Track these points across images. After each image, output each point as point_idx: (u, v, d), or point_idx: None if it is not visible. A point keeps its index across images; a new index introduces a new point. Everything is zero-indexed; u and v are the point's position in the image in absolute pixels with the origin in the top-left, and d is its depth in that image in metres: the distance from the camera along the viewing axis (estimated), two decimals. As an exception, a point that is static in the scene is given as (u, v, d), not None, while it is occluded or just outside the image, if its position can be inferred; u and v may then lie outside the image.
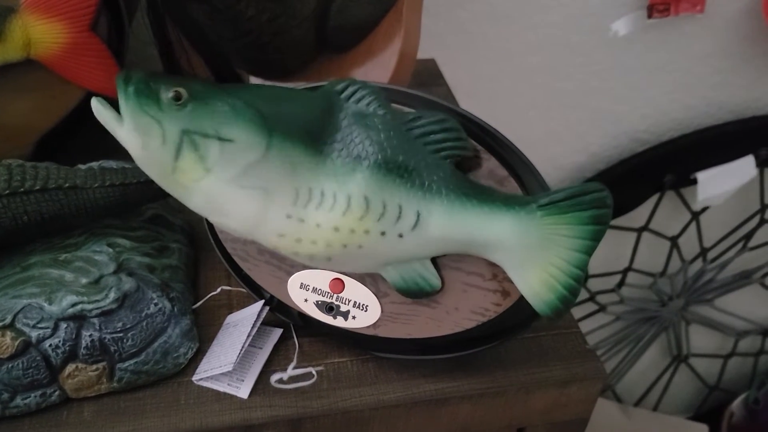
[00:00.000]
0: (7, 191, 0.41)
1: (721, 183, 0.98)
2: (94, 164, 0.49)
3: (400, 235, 0.37)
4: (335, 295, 0.42)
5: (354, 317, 0.42)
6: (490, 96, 0.89)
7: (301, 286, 0.43)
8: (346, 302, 0.42)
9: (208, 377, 0.43)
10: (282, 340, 0.46)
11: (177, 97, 0.35)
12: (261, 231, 0.38)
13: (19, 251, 0.44)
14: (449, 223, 0.37)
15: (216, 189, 0.36)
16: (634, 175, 0.98)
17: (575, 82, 0.91)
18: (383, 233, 0.37)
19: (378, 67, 0.56)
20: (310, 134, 0.37)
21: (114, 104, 0.54)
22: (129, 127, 0.35)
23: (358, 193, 0.36)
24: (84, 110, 0.55)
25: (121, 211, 0.45)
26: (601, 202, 0.35)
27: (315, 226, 0.37)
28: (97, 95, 0.54)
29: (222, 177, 0.36)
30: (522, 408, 0.45)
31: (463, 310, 0.40)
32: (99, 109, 0.36)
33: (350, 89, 0.38)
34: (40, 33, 0.50)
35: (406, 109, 0.39)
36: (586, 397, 0.46)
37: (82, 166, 0.48)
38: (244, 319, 0.45)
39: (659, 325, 1.19)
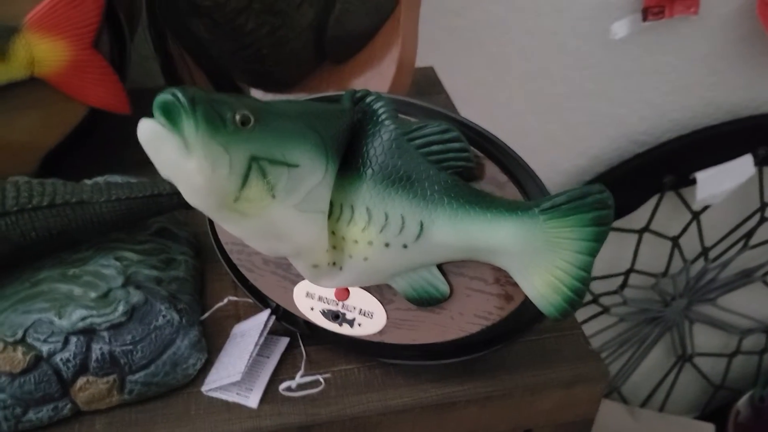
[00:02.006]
0: (16, 208, 0.42)
1: (720, 182, 0.99)
2: (100, 179, 0.50)
3: (405, 246, 0.38)
4: (341, 303, 0.43)
5: (360, 324, 0.43)
6: (488, 102, 0.90)
7: (307, 294, 0.43)
8: (352, 310, 0.43)
9: (217, 387, 0.43)
10: (289, 348, 0.46)
11: (244, 121, 0.32)
12: (315, 250, 0.37)
13: (28, 267, 0.45)
14: (453, 231, 0.37)
15: (278, 216, 0.34)
16: (634, 176, 0.99)
17: (572, 86, 0.91)
18: (387, 244, 0.38)
19: (377, 76, 0.57)
20: (341, 150, 0.37)
21: (116, 118, 0.55)
22: (199, 156, 0.31)
23: (361, 205, 0.37)
24: (88, 126, 0.56)
25: (127, 224, 0.46)
26: (602, 204, 0.36)
27: (331, 234, 0.38)
28: (100, 111, 0.55)
29: (286, 204, 0.34)
30: (528, 409, 0.46)
31: (467, 315, 0.41)
32: (159, 134, 0.30)
33: (365, 100, 0.38)
34: (43, 51, 0.51)
35: (410, 119, 0.39)
36: (590, 397, 0.47)
37: (88, 181, 0.49)
38: (251, 328, 0.46)
39: (663, 326, 1.20)
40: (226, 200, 0.33)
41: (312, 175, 0.35)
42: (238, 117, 0.32)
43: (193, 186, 0.32)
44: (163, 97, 0.30)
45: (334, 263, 0.39)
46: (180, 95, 0.30)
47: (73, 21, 0.51)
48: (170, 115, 0.30)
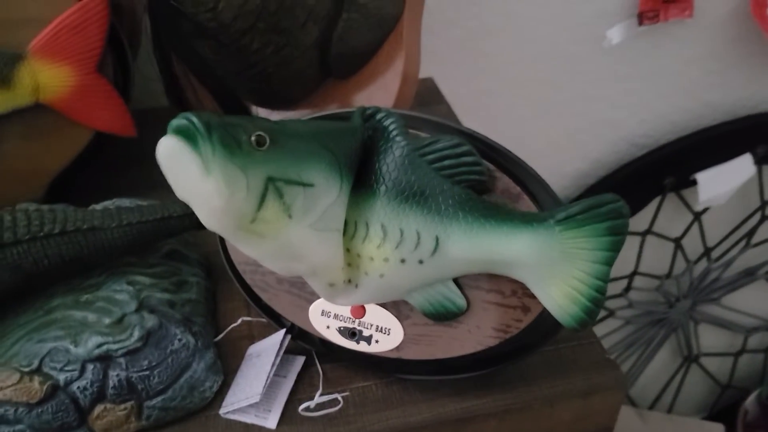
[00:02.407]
0: (28, 236, 0.42)
1: (721, 182, 0.99)
2: (109, 203, 0.50)
3: (420, 261, 0.37)
4: (357, 321, 0.43)
5: (377, 341, 0.42)
6: (488, 110, 0.90)
7: (323, 313, 0.43)
8: (369, 327, 0.42)
9: (235, 410, 0.43)
10: (305, 367, 0.46)
11: (259, 143, 0.32)
12: (330, 268, 0.37)
13: (41, 294, 0.44)
14: (469, 245, 0.37)
15: (294, 236, 0.34)
16: (635, 179, 0.99)
17: (572, 91, 0.92)
18: (403, 260, 0.37)
19: (381, 91, 0.57)
20: (354, 168, 0.37)
21: (122, 141, 0.55)
22: (217, 178, 0.31)
23: (376, 221, 0.37)
24: (94, 150, 0.56)
25: (139, 248, 0.45)
26: (617, 213, 0.36)
27: (345, 251, 0.38)
28: (106, 134, 0.55)
29: (303, 224, 0.34)
30: (547, 421, 0.46)
31: (485, 329, 0.41)
32: (180, 151, 0.30)
33: (375, 117, 0.38)
34: (47, 78, 0.51)
35: (421, 134, 0.39)
36: (609, 406, 0.47)
37: (97, 206, 0.48)
38: (267, 348, 0.45)
39: (668, 327, 1.20)
40: (243, 221, 0.33)
41: (327, 194, 0.35)
42: (253, 138, 0.32)
43: (210, 208, 0.32)
44: (178, 122, 0.31)
45: (349, 281, 0.38)
46: (195, 120, 0.31)
47: (76, 46, 0.51)
48: (188, 139, 0.30)
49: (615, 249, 0.36)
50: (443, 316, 0.40)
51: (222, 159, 0.31)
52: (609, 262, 0.37)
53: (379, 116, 0.38)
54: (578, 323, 0.37)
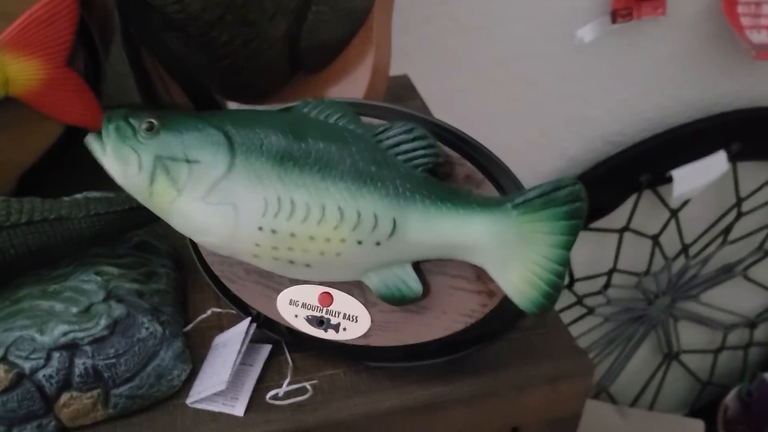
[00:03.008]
0: (-7, 226, 0.41)
1: (696, 179, 1.00)
2: (79, 196, 0.50)
3: (378, 243, 0.38)
4: (325, 309, 0.43)
5: (345, 329, 0.43)
6: (464, 108, 0.91)
7: (291, 302, 0.43)
8: (336, 315, 0.43)
9: (202, 399, 0.43)
10: (273, 355, 0.46)
11: (149, 128, 0.39)
12: (237, 244, 0.39)
13: (8, 285, 0.44)
14: (426, 228, 0.37)
15: (189, 208, 0.39)
16: (611, 176, 1.00)
17: (546, 89, 0.93)
18: (360, 242, 0.38)
19: (352, 84, 0.57)
20: (275, 148, 0.38)
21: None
22: (110, 156, 0.39)
23: (332, 204, 0.37)
24: (64, 144, 0.56)
25: (107, 239, 0.46)
26: (575, 196, 0.36)
27: (289, 236, 0.38)
28: (77, 128, 0.55)
29: (192, 196, 0.38)
30: (515, 407, 0.46)
31: (451, 313, 0.41)
32: (90, 142, 0.40)
33: (316, 108, 0.40)
34: (17, 71, 0.51)
35: (377, 122, 0.40)
36: (577, 392, 0.47)
37: (67, 198, 0.48)
38: (233, 338, 0.45)
39: (648, 324, 1.21)
40: (143, 195, 0.39)
41: (213, 169, 0.38)
42: (144, 125, 0.39)
43: (119, 182, 0.39)
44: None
45: (291, 261, 0.39)
46: (105, 114, 0.40)
47: (46, 40, 0.51)
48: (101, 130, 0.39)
49: (573, 233, 0.37)
50: (398, 300, 0.40)
51: (114, 141, 0.39)
52: (567, 246, 0.37)
53: (320, 107, 0.40)
54: (537, 307, 0.38)
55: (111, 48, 0.61)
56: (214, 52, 0.51)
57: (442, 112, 0.82)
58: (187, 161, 0.38)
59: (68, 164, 0.59)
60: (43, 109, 0.53)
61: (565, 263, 0.37)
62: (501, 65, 0.88)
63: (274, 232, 0.38)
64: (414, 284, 0.40)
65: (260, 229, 0.38)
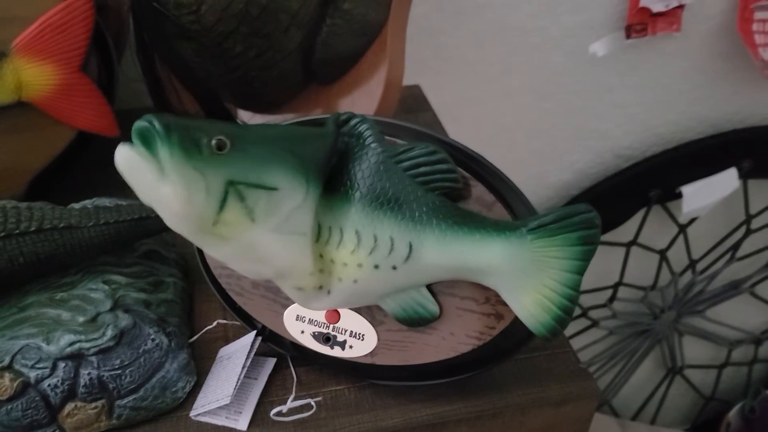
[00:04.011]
0: (3, 233, 0.42)
1: (706, 196, 1.00)
2: (88, 202, 0.50)
3: (394, 267, 0.38)
4: (331, 326, 0.43)
5: (351, 347, 0.43)
6: (474, 118, 0.90)
7: (297, 318, 0.43)
8: (343, 332, 0.43)
9: (205, 412, 0.43)
10: (277, 369, 0.46)
11: (220, 146, 0.33)
12: (293, 273, 0.37)
13: (16, 291, 0.44)
14: (442, 251, 0.37)
15: (258, 239, 0.34)
16: (620, 190, 1.00)
17: (558, 102, 0.92)
18: (377, 266, 0.38)
19: (364, 97, 0.57)
20: (324, 173, 0.37)
21: (104, 140, 0.55)
22: (174, 181, 0.31)
23: (350, 227, 0.37)
24: (76, 149, 0.56)
25: (115, 248, 0.46)
26: (589, 223, 0.36)
27: (326, 261, 0.38)
28: (89, 134, 0.55)
29: (266, 227, 0.34)
30: (518, 429, 0.46)
31: (458, 335, 0.41)
32: (134, 160, 0.31)
33: (350, 122, 0.38)
34: (31, 76, 0.51)
35: (398, 141, 0.40)
36: (581, 415, 0.47)
37: (76, 205, 0.48)
38: (238, 351, 0.45)
39: (653, 338, 1.20)
40: (204, 224, 0.33)
41: (291, 197, 0.35)
42: (213, 142, 0.32)
43: (170, 211, 0.32)
44: (140, 123, 0.31)
45: (320, 287, 0.38)
46: (155, 122, 0.31)
47: (60, 45, 0.51)
48: (146, 142, 0.31)
49: (586, 258, 0.37)
50: (416, 321, 0.40)
51: (179, 162, 0.31)
52: (580, 272, 0.37)
53: (353, 122, 0.39)
54: (549, 331, 0.37)
55: (124, 52, 0.61)
56: (228, 62, 0.50)
57: (453, 122, 0.82)
58: (265, 188, 0.34)
59: (79, 168, 0.59)
60: (55, 114, 0.53)
61: (578, 288, 0.37)
62: (513, 77, 0.88)
63: (321, 256, 0.37)
64: (431, 306, 0.40)
65: (321, 256, 0.37)
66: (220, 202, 0.33)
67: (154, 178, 0.31)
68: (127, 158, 0.31)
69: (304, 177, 0.35)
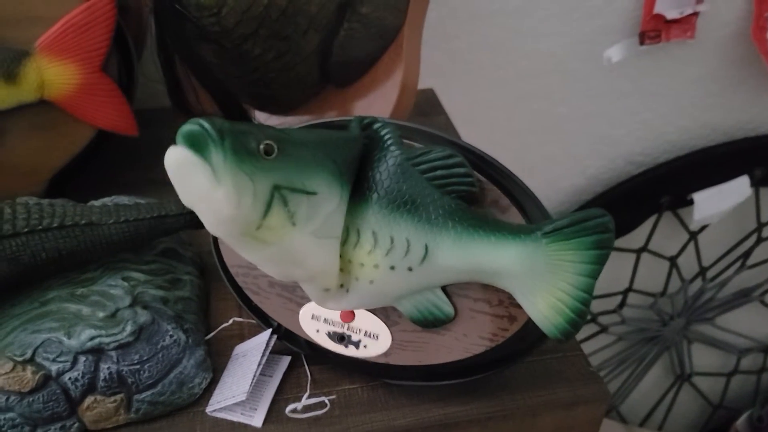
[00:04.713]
0: (26, 229, 0.42)
1: (717, 203, 1.00)
2: (108, 200, 0.51)
3: (410, 269, 0.38)
4: (346, 325, 0.43)
5: (365, 346, 0.43)
6: (487, 122, 0.91)
7: (313, 317, 0.44)
8: (358, 332, 0.43)
9: (221, 408, 0.44)
10: (291, 367, 0.47)
11: (268, 151, 0.33)
12: (327, 276, 0.38)
13: (37, 287, 0.45)
14: (458, 254, 0.38)
15: (297, 243, 0.35)
16: (632, 196, 1.00)
17: (571, 107, 0.93)
18: (393, 267, 0.38)
19: (380, 100, 0.58)
20: (353, 176, 0.37)
21: (123, 139, 0.56)
22: (227, 185, 0.31)
23: (367, 228, 0.38)
24: (95, 147, 0.57)
25: (134, 245, 0.46)
26: (603, 227, 0.36)
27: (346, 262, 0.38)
28: (108, 133, 0.56)
29: (305, 231, 0.35)
30: (529, 431, 0.46)
31: (471, 336, 0.41)
32: (189, 161, 0.31)
33: (372, 126, 0.39)
34: (53, 75, 0.52)
35: (415, 144, 0.40)
36: (591, 418, 0.47)
37: (96, 203, 0.49)
38: (253, 348, 0.46)
39: (661, 345, 1.20)
40: (249, 229, 0.33)
41: (329, 202, 0.36)
42: (262, 147, 0.33)
43: (218, 214, 0.32)
44: (189, 127, 0.31)
45: (341, 285, 0.39)
46: (207, 126, 0.31)
47: (82, 45, 0.52)
48: (197, 145, 0.31)
49: (600, 262, 0.37)
50: (431, 323, 0.41)
51: (232, 167, 0.31)
52: (594, 275, 0.37)
53: (375, 126, 0.39)
54: (562, 334, 0.38)
55: (143, 53, 0.62)
56: (247, 64, 0.51)
57: (466, 125, 0.83)
58: (306, 193, 0.34)
59: (98, 167, 0.60)
60: (76, 113, 0.54)
61: (591, 291, 0.37)
62: (526, 81, 0.89)
63: (350, 262, 0.38)
64: (446, 308, 0.40)
65: (341, 257, 0.38)
66: (265, 206, 0.33)
67: (207, 182, 0.31)
68: (180, 161, 0.31)
69: (339, 181, 0.36)
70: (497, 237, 0.37)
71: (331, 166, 0.36)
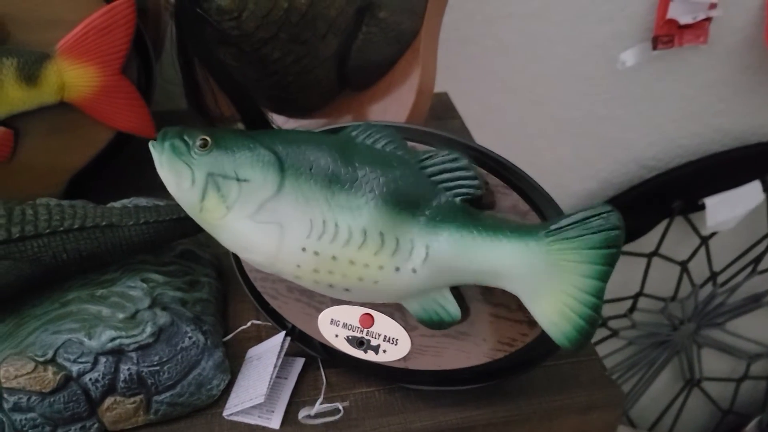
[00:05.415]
0: (48, 230, 0.43)
1: (729, 208, 1.00)
2: (127, 201, 0.51)
3: (414, 270, 0.38)
4: (365, 330, 0.43)
5: (385, 351, 0.43)
6: (501, 126, 0.91)
7: (332, 321, 0.44)
8: (377, 336, 0.43)
9: (239, 411, 0.44)
10: (306, 368, 0.47)
11: (203, 144, 0.40)
12: (281, 263, 0.40)
13: (58, 287, 0.46)
14: (456, 254, 0.37)
15: (237, 226, 0.39)
16: (644, 201, 1.00)
17: (583, 111, 0.93)
18: (397, 269, 0.38)
19: (396, 104, 0.58)
20: (324, 171, 0.39)
21: (141, 141, 0.56)
22: (166, 168, 0.40)
23: (374, 228, 0.38)
24: (114, 149, 0.57)
25: (154, 247, 0.47)
26: (611, 224, 0.35)
27: (331, 259, 0.38)
28: (126, 134, 0.56)
29: (241, 214, 0.39)
30: (546, 435, 0.46)
31: (491, 341, 0.41)
32: (152, 150, 0.41)
33: (365, 131, 0.40)
34: (73, 77, 0.52)
35: (418, 146, 0.40)
36: (606, 423, 0.47)
37: (116, 204, 0.50)
38: (267, 351, 0.46)
39: (671, 350, 1.20)
40: (194, 210, 0.40)
41: (263, 188, 0.39)
42: (198, 142, 0.40)
43: (172, 194, 0.40)
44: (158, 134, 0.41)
45: (330, 285, 0.40)
46: (162, 130, 0.41)
47: (102, 48, 0.52)
48: (154, 145, 0.41)
49: (609, 263, 0.35)
50: (436, 323, 0.40)
51: (169, 156, 0.40)
52: (603, 278, 0.36)
53: (369, 130, 0.39)
54: (571, 342, 0.36)
55: (161, 56, 0.62)
56: (265, 67, 0.52)
57: (480, 129, 0.83)
58: (238, 180, 0.39)
59: (116, 168, 0.60)
60: (95, 115, 0.54)
61: (601, 296, 0.36)
62: (539, 85, 0.89)
63: (316, 254, 0.38)
64: (452, 309, 0.39)
65: (303, 250, 0.39)
66: (202, 190, 0.39)
67: (157, 166, 0.40)
68: (151, 149, 0.40)
69: (278, 171, 0.39)
70: (497, 236, 0.37)
71: (268, 158, 0.39)
